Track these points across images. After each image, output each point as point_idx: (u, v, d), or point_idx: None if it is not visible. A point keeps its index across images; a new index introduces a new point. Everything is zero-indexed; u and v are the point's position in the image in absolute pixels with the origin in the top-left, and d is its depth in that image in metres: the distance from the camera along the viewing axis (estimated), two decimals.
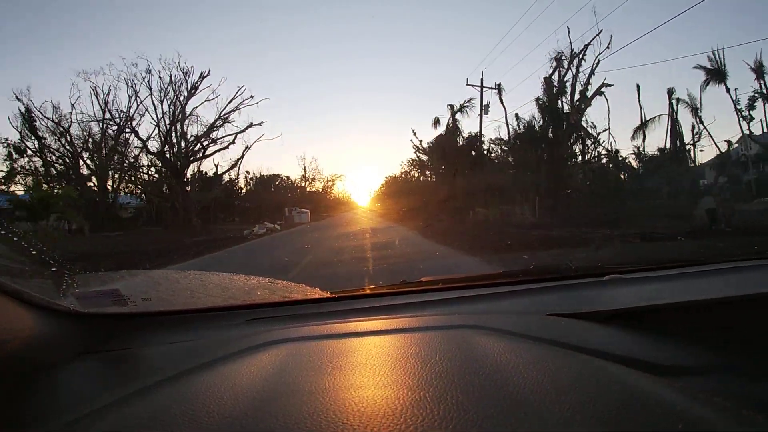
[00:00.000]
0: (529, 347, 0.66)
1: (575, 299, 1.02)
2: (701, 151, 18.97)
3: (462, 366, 0.57)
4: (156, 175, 24.61)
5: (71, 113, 21.95)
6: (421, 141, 24.82)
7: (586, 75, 16.44)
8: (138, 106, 22.47)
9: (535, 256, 5.84)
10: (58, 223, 19.27)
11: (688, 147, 18.29)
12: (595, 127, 17.42)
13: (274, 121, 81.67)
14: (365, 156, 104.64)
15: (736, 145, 18.45)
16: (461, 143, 21.75)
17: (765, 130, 17.78)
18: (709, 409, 0.45)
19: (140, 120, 23.19)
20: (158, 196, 24.38)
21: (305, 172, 46.11)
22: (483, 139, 20.76)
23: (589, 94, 16.52)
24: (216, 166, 26.84)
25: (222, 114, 23.75)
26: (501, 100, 19.74)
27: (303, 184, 46.42)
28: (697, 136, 17.61)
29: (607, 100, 17.57)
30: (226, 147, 24.38)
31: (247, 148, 24.93)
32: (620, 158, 18.02)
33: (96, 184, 23.50)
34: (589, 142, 17.46)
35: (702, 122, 17.52)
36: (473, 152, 20.90)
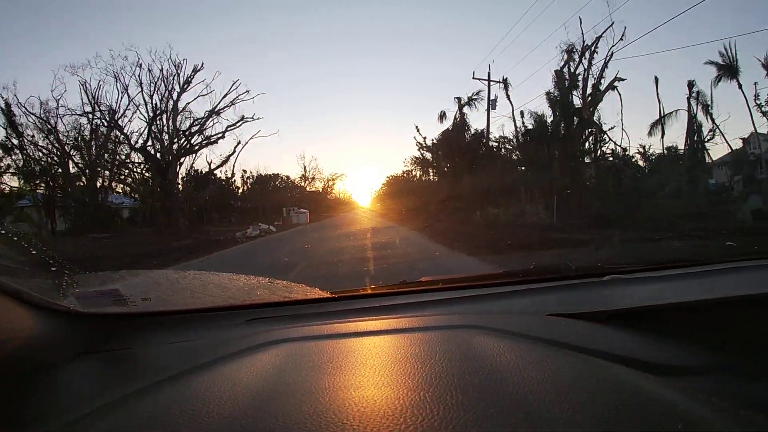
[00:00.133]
0: (529, 347, 0.66)
1: (575, 299, 1.02)
2: (707, 151, 17.99)
3: (462, 366, 0.57)
4: (147, 174, 23.12)
5: (56, 109, 20.39)
6: (424, 138, 23.90)
7: (599, 68, 15.67)
8: (130, 101, 20.89)
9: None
10: (43, 222, 19.02)
11: (702, 144, 17.27)
12: (604, 124, 16.51)
13: (274, 121, 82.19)
14: (366, 156, 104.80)
15: (741, 144, 17.73)
16: (469, 138, 20.70)
17: None
18: (708, 409, 0.45)
19: (132, 116, 22.18)
20: (147, 195, 23.22)
21: (305, 171, 45.71)
22: (488, 136, 19.87)
23: (602, 87, 15.77)
24: (209, 165, 25.30)
25: (214, 108, 22.21)
26: (507, 96, 18.96)
27: (303, 184, 45.87)
28: (710, 133, 16.70)
29: (620, 94, 16.50)
30: (215, 142, 22.74)
31: (239, 143, 23.38)
32: (627, 156, 17.10)
33: (84, 183, 22.29)
34: (601, 138, 16.43)
35: (713, 119, 16.64)
36: (482, 148, 19.99)
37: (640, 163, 18.36)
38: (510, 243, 7.93)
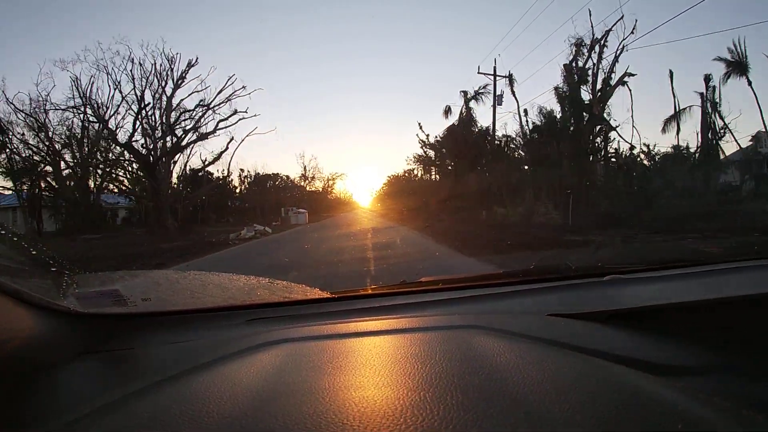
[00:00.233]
0: (529, 347, 0.66)
1: (575, 299, 1.02)
2: (721, 148, 17.06)
3: (462, 366, 0.57)
4: (139, 172, 21.80)
5: (44, 104, 19.45)
6: (427, 135, 23.07)
7: (609, 62, 14.74)
8: (123, 99, 19.76)
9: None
10: (27, 222, 18.41)
11: (716, 142, 16.40)
12: (614, 120, 15.56)
13: (274, 121, 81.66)
14: (366, 156, 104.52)
15: (751, 142, 16.98)
16: (476, 134, 19.56)
17: None
18: (709, 409, 0.45)
19: (125, 113, 20.24)
20: (137, 195, 22.34)
21: (305, 171, 44.98)
22: (494, 133, 18.77)
23: (613, 82, 14.90)
24: (203, 162, 24.11)
25: (209, 104, 20.98)
26: (513, 92, 18.17)
27: (302, 184, 45.09)
28: (721, 131, 15.88)
29: (630, 90, 15.54)
30: (206, 137, 21.48)
31: (232, 139, 22.36)
32: (637, 154, 16.06)
33: (74, 182, 21.29)
34: (611, 135, 15.48)
35: (722, 117, 15.88)
36: (488, 145, 18.98)
37: (645, 162, 17.49)
38: (528, 245, 7.48)
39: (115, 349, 0.87)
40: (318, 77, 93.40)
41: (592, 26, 15.08)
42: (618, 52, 14.56)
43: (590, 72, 15.09)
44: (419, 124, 24.82)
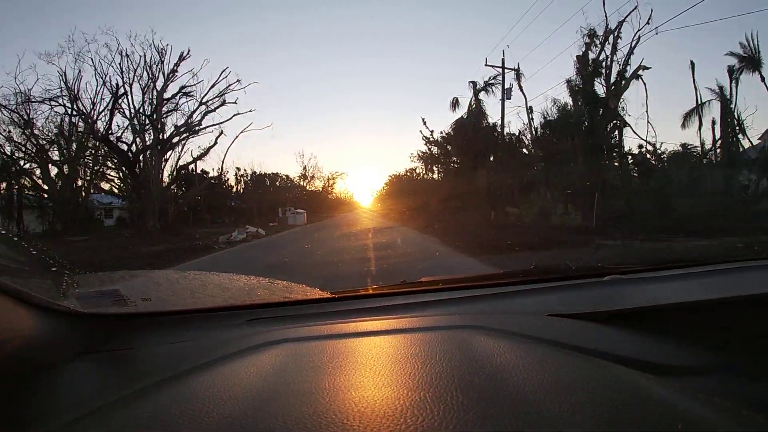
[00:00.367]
0: (529, 347, 0.66)
1: (576, 299, 1.02)
2: (741, 145, 16.05)
3: (462, 366, 0.57)
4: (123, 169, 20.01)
5: (26, 98, 17.90)
6: (432, 131, 21.79)
7: (624, 53, 13.86)
8: (114, 95, 18.08)
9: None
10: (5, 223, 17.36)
11: (735, 138, 15.53)
12: (628, 116, 14.55)
13: (274, 121, 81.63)
14: (367, 156, 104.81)
15: (759, 140, 16.21)
16: (486, 128, 18.15)
17: None
18: (709, 409, 0.45)
19: (113, 107, 18.22)
20: (124, 194, 20.79)
21: (305, 170, 44.33)
22: (503, 128, 17.56)
23: (628, 75, 14.04)
24: (194, 159, 22.51)
25: (185, 88, 19.23)
26: (520, 87, 17.26)
27: (302, 183, 44.39)
28: (736, 128, 15.11)
29: (644, 83, 14.66)
30: (192, 130, 19.75)
31: (222, 133, 20.77)
32: (651, 152, 14.92)
33: (62, 180, 20.01)
34: (626, 131, 14.38)
35: (736, 115, 15.10)
36: (500, 140, 17.67)
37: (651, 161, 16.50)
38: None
39: (115, 349, 0.87)
40: (318, 77, 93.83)
41: (606, 16, 14.27)
42: (633, 43, 13.73)
43: (604, 64, 14.28)
44: (423, 119, 22.19)
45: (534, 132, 17.05)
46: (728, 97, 15.23)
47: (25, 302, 0.72)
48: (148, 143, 19.07)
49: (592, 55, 14.39)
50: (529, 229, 11.12)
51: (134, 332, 0.95)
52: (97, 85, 18.83)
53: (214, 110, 20.11)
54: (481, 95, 18.82)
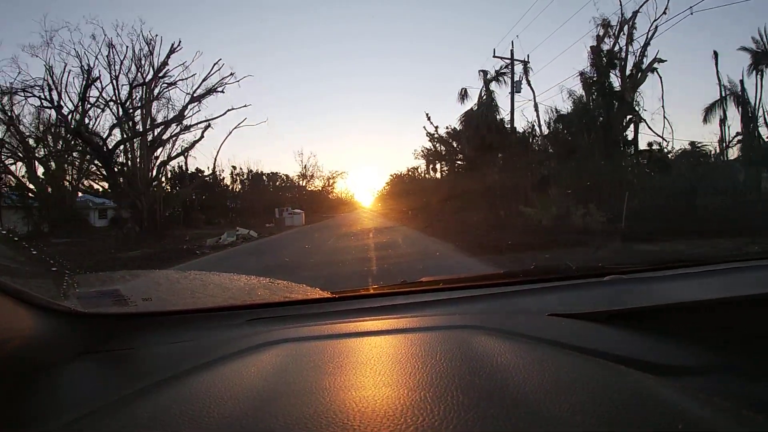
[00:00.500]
0: (529, 347, 0.66)
1: (576, 299, 1.02)
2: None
3: (462, 366, 0.57)
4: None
5: (10, 92, 16.38)
6: (436, 127, 20.23)
7: (641, 44, 13.12)
8: (103, 89, 16.91)
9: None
10: None
11: (757, 133, 14.68)
12: (644, 110, 13.80)
13: (274, 121, 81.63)
14: (368, 156, 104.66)
15: None
16: (499, 121, 16.70)
17: None
18: (709, 409, 0.45)
19: (104, 107, 17.25)
20: (111, 195, 18.71)
21: (305, 170, 43.50)
22: (513, 122, 16.32)
23: (644, 67, 13.39)
24: (178, 154, 20.84)
25: (164, 72, 17.45)
26: (528, 82, 16.26)
27: (302, 183, 43.49)
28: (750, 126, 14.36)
29: (660, 77, 13.83)
30: (172, 122, 18.08)
31: (209, 126, 19.04)
32: (661, 149, 14.03)
33: (48, 179, 19.04)
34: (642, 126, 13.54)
35: (749, 112, 14.25)
36: (514, 134, 16.36)
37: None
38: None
39: (115, 349, 0.87)
40: (318, 77, 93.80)
41: (621, 4, 13.79)
42: (650, 34, 12.99)
43: (617, 56, 13.57)
44: (427, 114, 22.03)
45: (546, 127, 16.04)
46: (752, 92, 14.43)
47: (25, 302, 0.72)
48: (127, 136, 17.51)
49: (605, 47, 13.71)
50: (552, 232, 9.89)
51: (134, 332, 0.95)
52: (83, 78, 16.57)
53: (199, 100, 18.37)
54: (492, 86, 17.37)
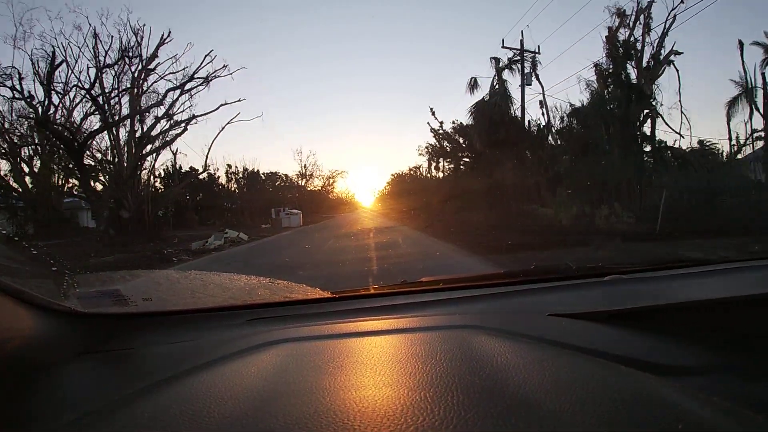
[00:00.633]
0: (529, 347, 0.66)
1: (576, 299, 1.02)
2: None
3: (462, 366, 0.57)
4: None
5: None
6: (441, 123, 19.07)
7: (658, 34, 12.46)
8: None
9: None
10: None
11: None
12: (661, 105, 13.01)
13: (274, 121, 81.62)
14: (368, 156, 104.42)
15: None
16: (513, 113, 15.41)
17: None
18: (709, 409, 0.45)
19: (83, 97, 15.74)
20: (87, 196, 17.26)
21: (305, 169, 42.61)
22: (524, 116, 15.32)
23: (662, 58, 12.76)
24: (173, 153, 20.40)
25: (143, 65, 16.05)
26: (536, 76, 15.33)
27: (301, 182, 42.50)
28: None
29: (677, 70, 13.16)
30: (150, 108, 16.58)
31: (194, 117, 17.44)
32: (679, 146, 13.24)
33: (33, 179, 17.87)
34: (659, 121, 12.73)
35: (758, 108, 13.93)
36: (529, 128, 15.41)
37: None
38: None
39: (115, 349, 0.87)
40: (318, 77, 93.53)
41: None
42: (667, 24, 12.34)
43: (633, 46, 12.82)
44: (431, 109, 19.16)
45: (559, 121, 15.10)
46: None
47: (25, 302, 0.72)
48: (99, 128, 15.96)
49: (621, 37, 12.92)
50: (577, 233, 8.73)
51: (134, 332, 0.95)
52: (68, 71, 15.40)
53: (182, 87, 16.78)
54: (511, 71, 16.04)
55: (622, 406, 0.45)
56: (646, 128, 12.90)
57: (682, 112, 13.93)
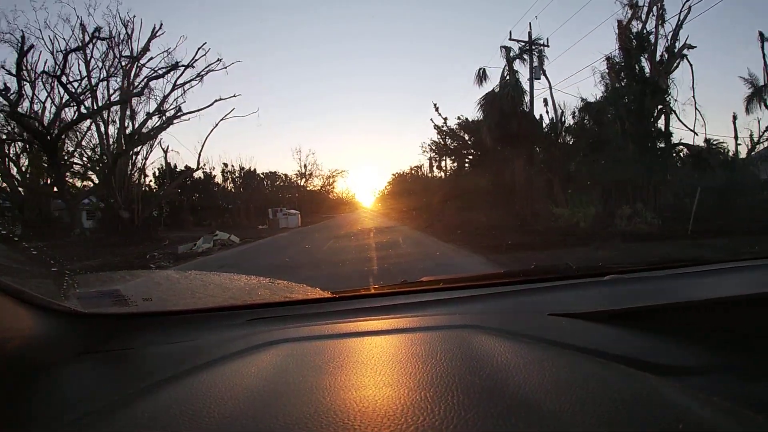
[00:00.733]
0: (529, 347, 0.66)
1: (576, 299, 1.02)
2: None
3: (462, 366, 0.57)
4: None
5: None
6: (445, 119, 18.44)
7: (672, 26, 11.96)
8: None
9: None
10: None
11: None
12: (675, 101, 12.30)
13: (274, 121, 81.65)
14: (369, 156, 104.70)
15: None
16: (526, 106, 14.49)
17: None
18: (709, 409, 0.45)
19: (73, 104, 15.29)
20: (56, 191, 16.82)
21: (304, 168, 42.38)
22: (533, 111, 14.45)
23: (676, 51, 12.23)
24: (164, 151, 19.91)
25: (128, 55, 15.46)
26: (543, 71, 14.67)
27: (300, 182, 42.21)
28: None
29: (690, 64, 12.65)
30: (133, 96, 15.99)
31: (179, 110, 17.05)
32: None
33: (20, 178, 17.34)
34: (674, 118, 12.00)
35: (766, 104, 13.49)
36: (543, 122, 14.66)
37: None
38: None
39: (115, 349, 0.87)
40: (318, 77, 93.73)
41: None
42: (682, 16, 11.85)
43: (647, 39, 12.22)
44: (435, 105, 18.78)
45: (570, 117, 14.43)
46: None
47: (25, 302, 0.72)
48: (72, 120, 15.47)
49: (634, 29, 12.28)
50: (600, 237, 8.09)
51: (134, 332, 0.95)
52: (56, 65, 14.92)
53: (161, 75, 16.23)
54: (522, 60, 15.07)
55: (622, 406, 0.45)
56: (660, 124, 12.33)
57: (696, 108, 13.22)
